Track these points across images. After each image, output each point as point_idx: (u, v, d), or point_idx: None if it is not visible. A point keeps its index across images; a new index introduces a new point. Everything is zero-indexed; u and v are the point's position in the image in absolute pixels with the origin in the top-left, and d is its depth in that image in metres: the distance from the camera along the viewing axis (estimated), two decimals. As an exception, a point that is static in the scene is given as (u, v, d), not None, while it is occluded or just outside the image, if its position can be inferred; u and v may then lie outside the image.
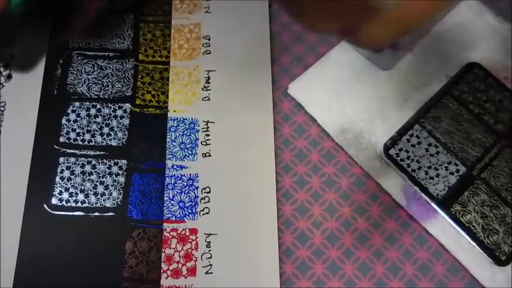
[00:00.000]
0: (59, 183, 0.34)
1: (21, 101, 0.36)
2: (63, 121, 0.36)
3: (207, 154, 0.35)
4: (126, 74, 0.37)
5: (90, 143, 0.35)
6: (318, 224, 0.34)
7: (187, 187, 0.34)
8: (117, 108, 0.36)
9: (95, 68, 0.37)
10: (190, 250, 0.32)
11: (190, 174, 0.34)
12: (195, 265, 0.32)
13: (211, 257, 0.32)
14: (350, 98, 0.37)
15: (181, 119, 0.36)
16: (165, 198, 0.34)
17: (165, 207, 0.33)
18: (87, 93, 0.37)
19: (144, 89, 0.37)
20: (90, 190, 0.34)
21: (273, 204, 0.34)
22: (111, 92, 0.37)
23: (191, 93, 0.37)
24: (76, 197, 0.34)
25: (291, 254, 0.33)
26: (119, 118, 0.36)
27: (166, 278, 0.32)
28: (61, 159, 0.34)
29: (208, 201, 0.34)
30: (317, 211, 0.34)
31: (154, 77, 0.37)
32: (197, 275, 0.32)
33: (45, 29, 0.38)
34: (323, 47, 0.39)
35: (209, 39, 0.38)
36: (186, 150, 0.35)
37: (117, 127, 0.36)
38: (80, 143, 0.35)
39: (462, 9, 0.39)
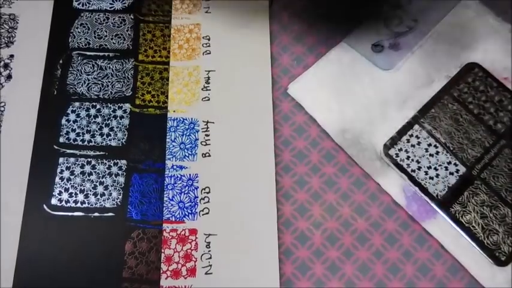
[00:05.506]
0: (59, 184, 0.34)
1: (21, 101, 0.36)
2: (63, 121, 0.36)
3: (207, 154, 0.35)
4: (126, 74, 0.37)
5: (90, 143, 0.35)
6: (318, 224, 0.34)
7: (187, 187, 0.34)
8: (117, 108, 0.36)
9: (95, 68, 0.37)
10: (190, 250, 0.32)
11: (190, 175, 0.34)
12: (195, 265, 0.32)
13: (211, 258, 0.32)
14: (350, 98, 0.37)
15: (181, 119, 0.36)
16: (165, 199, 0.34)
17: (164, 208, 0.33)
18: (87, 94, 0.36)
19: (144, 89, 0.37)
20: (90, 190, 0.34)
21: (272, 204, 0.34)
22: (111, 92, 0.37)
23: (191, 93, 0.37)
24: (76, 197, 0.34)
25: (291, 255, 0.33)
26: (118, 118, 0.36)
27: (166, 278, 0.32)
28: (61, 160, 0.34)
29: (208, 202, 0.34)
30: (317, 211, 0.34)
31: (154, 77, 0.37)
32: (197, 275, 0.32)
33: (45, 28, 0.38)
34: (323, 47, 0.39)
35: (209, 39, 0.38)
36: (185, 150, 0.35)
37: (116, 127, 0.36)
38: (80, 143, 0.35)
39: (462, 9, 0.39)
